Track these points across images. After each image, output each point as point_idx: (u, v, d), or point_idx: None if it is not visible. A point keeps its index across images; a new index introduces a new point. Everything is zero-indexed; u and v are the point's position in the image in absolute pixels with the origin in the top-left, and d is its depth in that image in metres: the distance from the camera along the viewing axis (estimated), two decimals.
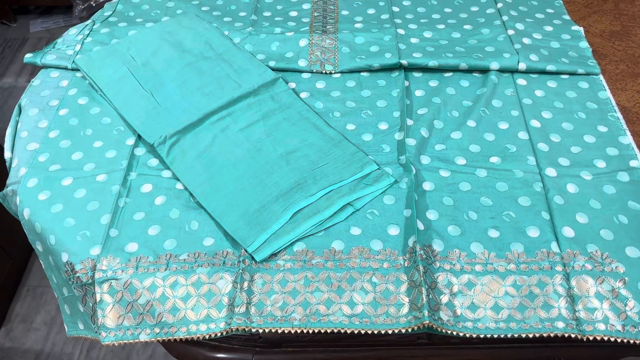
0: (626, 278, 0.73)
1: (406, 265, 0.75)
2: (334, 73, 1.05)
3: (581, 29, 1.10)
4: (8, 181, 0.91)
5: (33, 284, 1.61)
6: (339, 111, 0.98)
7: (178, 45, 1.09)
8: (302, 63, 1.05)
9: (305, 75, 1.05)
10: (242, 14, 1.20)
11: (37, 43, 2.54)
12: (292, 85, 1.03)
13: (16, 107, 1.02)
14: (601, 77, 1.01)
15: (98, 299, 0.76)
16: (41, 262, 0.89)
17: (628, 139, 0.90)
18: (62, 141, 0.94)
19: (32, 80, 1.07)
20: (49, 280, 0.91)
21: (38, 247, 0.87)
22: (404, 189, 0.84)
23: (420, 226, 0.79)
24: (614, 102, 0.96)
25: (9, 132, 0.98)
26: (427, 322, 0.69)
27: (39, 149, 0.93)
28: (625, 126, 0.92)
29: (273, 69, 1.04)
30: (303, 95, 1.01)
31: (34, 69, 2.43)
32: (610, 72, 1.03)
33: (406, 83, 1.02)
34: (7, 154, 0.95)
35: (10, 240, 1.54)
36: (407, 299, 0.73)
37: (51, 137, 0.95)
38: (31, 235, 0.87)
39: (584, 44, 1.07)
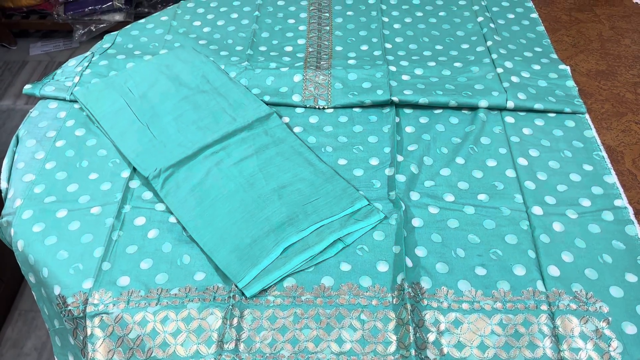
0: (610, 318, 0.74)
1: (394, 302, 0.77)
2: (327, 108, 1.07)
3: (568, 68, 1.14)
4: (3, 212, 0.92)
5: (25, 308, 1.60)
6: (331, 146, 1.00)
7: (175, 79, 1.11)
8: (296, 98, 1.08)
9: (298, 110, 1.07)
10: (239, 48, 1.23)
11: (36, 66, 2.57)
12: (286, 119, 1.05)
13: (14, 138, 1.03)
14: (587, 116, 1.04)
15: (89, 332, 0.76)
16: (33, 293, 0.90)
17: (613, 178, 0.93)
18: (58, 173, 0.96)
19: (31, 111, 1.09)
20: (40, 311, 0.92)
21: (31, 278, 0.88)
22: (394, 225, 0.86)
23: (409, 263, 0.80)
24: (599, 141, 0.99)
25: (5, 162, 0.99)
26: None
27: (35, 181, 0.95)
28: (610, 165, 0.95)
29: (267, 104, 1.07)
30: (296, 129, 1.03)
31: None
32: (596, 111, 1.06)
33: (397, 119, 1.04)
34: (3, 185, 0.97)
35: (3, 264, 1.54)
36: (394, 337, 0.73)
37: (47, 169, 0.96)
38: (24, 267, 0.88)
39: (571, 83, 1.10)
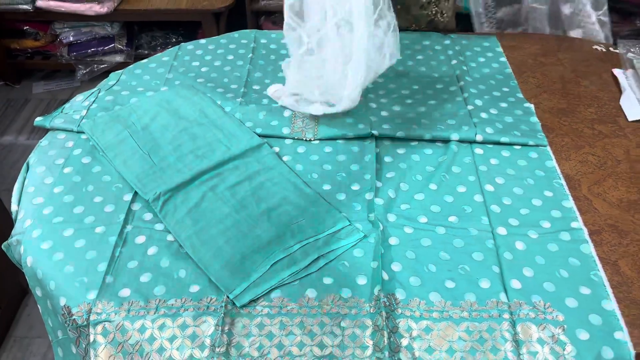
0: (565, 325, 0.82)
1: (371, 311, 0.85)
2: (314, 140, 1.17)
3: (532, 105, 1.26)
4: (13, 232, 1.00)
5: (20, 335, 1.64)
6: (316, 173, 1.10)
7: (175, 112, 1.21)
8: (285, 131, 1.18)
9: (288, 141, 1.17)
10: (234, 86, 1.34)
11: (38, 104, 2.68)
12: (276, 149, 1.15)
13: (24, 165, 1.12)
14: (548, 148, 1.15)
15: (92, 339, 0.83)
16: (39, 307, 0.97)
17: (570, 203, 1.03)
18: (66, 196, 1.04)
19: (41, 140, 1.18)
20: (42, 327, 0.98)
21: (37, 292, 0.95)
22: (372, 243, 0.94)
23: (385, 277, 0.89)
24: (559, 170, 1.09)
25: (16, 187, 1.08)
26: None
27: (44, 203, 1.03)
28: (568, 192, 1.05)
29: (259, 135, 1.17)
30: (285, 158, 1.13)
31: (34, 128, 2.56)
32: (557, 144, 1.17)
33: (377, 150, 1.15)
34: (14, 207, 1.05)
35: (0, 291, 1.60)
36: (371, 342, 0.81)
37: (55, 192, 1.05)
38: (32, 282, 0.95)
39: (534, 119, 1.22)
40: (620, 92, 1.33)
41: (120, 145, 1.14)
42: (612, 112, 1.27)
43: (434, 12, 1.53)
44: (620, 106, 1.28)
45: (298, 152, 1.15)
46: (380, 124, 1.18)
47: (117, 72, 1.39)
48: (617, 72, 1.38)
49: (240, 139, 1.14)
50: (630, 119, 1.25)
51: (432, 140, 1.17)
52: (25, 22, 2.51)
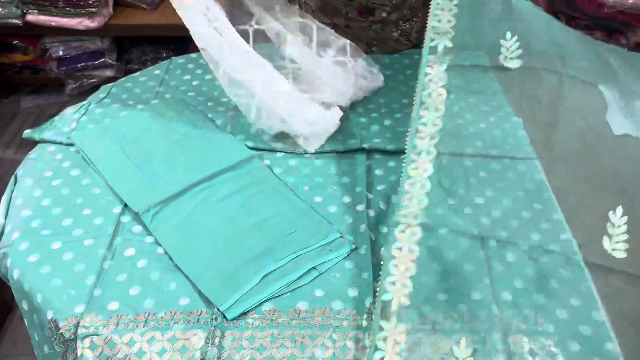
0: (555, 337, 0.83)
1: (365, 325, 0.84)
2: (305, 154, 1.18)
3: (520, 119, 1.27)
4: (0, 244, 0.99)
5: (4, 352, 1.61)
6: (307, 185, 1.10)
7: (165, 125, 1.21)
8: (276, 144, 1.18)
9: (279, 155, 1.18)
10: (224, 99, 1.34)
11: (26, 118, 2.66)
12: (267, 162, 1.15)
13: (12, 178, 1.11)
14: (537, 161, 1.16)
15: (79, 353, 0.82)
16: (25, 321, 0.95)
17: (559, 215, 1.04)
18: (54, 208, 1.03)
19: (29, 153, 1.17)
20: (26, 344, 0.96)
21: (24, 306, 0.93)
22: (363, 255, 0.94)
23: (377, 288, 0.88)
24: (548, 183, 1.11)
25: (3, 199, 1.07)
26: None
27: (32, 215, 1.02)
28: (557, 204, 1.06)
29: (251, 148, 1.17)
30: (276, 171, 1.13)
31: (21, 142, 2.54)
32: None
33: (368, 163, 1.15)
34: (0, 220, 1.03)
35: None
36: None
37: (44, 205, 1.04)
38: (18, 295, 0.94)
39: (522, 132, 1.23)
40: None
41: (110, 157, 1.13)
42: None
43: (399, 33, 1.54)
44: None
45: (289, 165, 1.15)
46: (371, 138, 1.19)
47: (107, 85, 1.39)
48: (601, 87, 1.41)
49: (231, 152, 1.14)
50: (616, 133, 1.27)
51: None
52: (14, 36, 2.50)
